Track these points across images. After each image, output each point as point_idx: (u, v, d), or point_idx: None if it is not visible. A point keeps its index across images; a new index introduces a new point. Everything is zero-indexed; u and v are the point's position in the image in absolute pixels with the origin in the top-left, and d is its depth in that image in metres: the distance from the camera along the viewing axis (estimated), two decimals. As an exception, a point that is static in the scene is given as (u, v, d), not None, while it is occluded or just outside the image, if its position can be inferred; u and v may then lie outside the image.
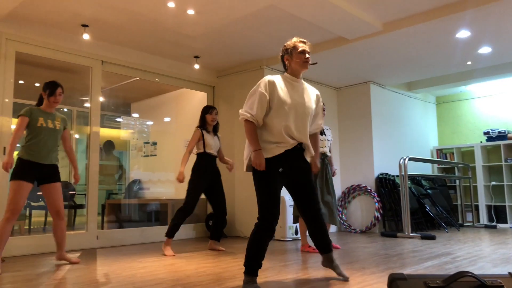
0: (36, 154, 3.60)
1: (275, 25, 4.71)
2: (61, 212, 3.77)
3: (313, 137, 3.00)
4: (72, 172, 3.97)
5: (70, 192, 6.87)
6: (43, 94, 3.76)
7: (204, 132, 4.55)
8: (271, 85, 2.72)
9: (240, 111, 2.76)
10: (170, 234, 4.36)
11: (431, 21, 4.46)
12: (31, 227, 6.46)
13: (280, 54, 2.88)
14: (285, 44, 2.85)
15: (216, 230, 4.61)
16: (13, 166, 3.53)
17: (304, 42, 2.83)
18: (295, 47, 2.80)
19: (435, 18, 4.42)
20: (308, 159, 2.88)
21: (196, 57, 5.77)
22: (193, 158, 4.57)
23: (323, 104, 3.32)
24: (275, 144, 2.71)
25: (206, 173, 4.48)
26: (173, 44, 5.27)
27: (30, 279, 3.10)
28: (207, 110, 4.63)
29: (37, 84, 6.04)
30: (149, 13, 4.32)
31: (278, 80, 2.77)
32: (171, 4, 4.10)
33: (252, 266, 2.65)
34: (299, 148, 2.80)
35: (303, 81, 2.90)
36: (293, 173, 2.79)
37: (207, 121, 4.59)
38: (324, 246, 2.94)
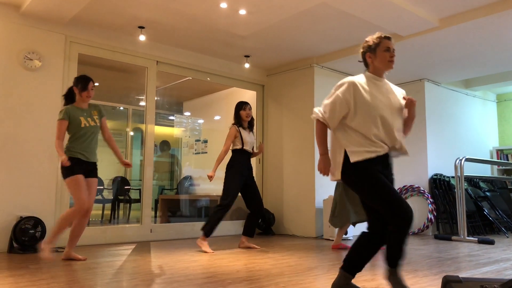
0: (83, 152, 3.64)
1: (326, 23, 4.68)
2: (90, 209, 3.69)
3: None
4: (119, 161, 3.88)
5: (126, 187, 7.18)
6: (75, 89, 3.71)
7: (240, 129, 4.55)
8: (353, 87, 2.46)
9: (314, 109, 2.54)
10: (208, 232, 4.26)
11: (492, 15, 4.25)
12: (90, 219, 6.82)
13: (361, 50, 2.61)
14: (367, 39, 2.59)
15: (251, 227, 4.54)
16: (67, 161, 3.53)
17: (389, 38, 2.55)
18: (379, 44, 2.53)
19: (496, 12, 4.20)
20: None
21: (247, 56, 5.84)
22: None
23: None
24: (366, 148, 2.40)
25: (243, 170, 4.46)
26: (224, 44, 5.37)
27: (90, 268, 3.30)
28: (241, 106, 4.59)
29: (96, 84, 6.36)
30: (202, 14, 4.44)
31: (361, 80, 2.52)
32: (223, 5, 4.18)
33: (353, 268, 2.42)
34: (388, 156, 2.50)
35: (386, 80, 2.62)
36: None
37: (242, 117, 4.57)
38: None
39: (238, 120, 4.59)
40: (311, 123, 5.86)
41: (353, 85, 2.47)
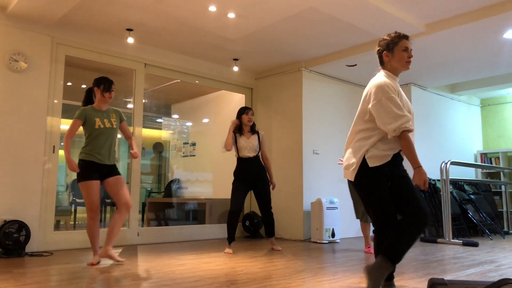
0: (96, 155, 3.64)
1: (314, 27, 4.72)
2: (129, 203, 3.71)
3: None
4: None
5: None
6: (96, 90, 3.75)
7: (237, 135, 4.62)
8: (393, 88, 2.43)
9: (397, 123, 2.32)
10: (228, 239, 4.50)
11: (477, 21, 4.33)
12: (76, 222, 6.74)
13: (378, 49, 2.56)
14: (385, 38, 2.53)
15: (266, 228, 4.71)
16: (76, 167, 3.61)
17: (407, 37, 2.50)
18: (398, 43, 2.47)
19: (481, 18, 4.28)
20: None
21: (235, 59, 5.85)
22: (226, 155, 4.69)
23: None
24: (388, 151, 2.43)
25: (243, 176, 4.58)
26: (213, 47, 5.37)
27: (76, 272, 3.26)
28: (243, 110, 4.70)
29: (83, 86, 6.31)
30: (191, 17, 4.43)
31: (388, 81, 2.46)
32: (212, 8, 4.19)
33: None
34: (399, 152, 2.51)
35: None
36: (394, 178, 2.51)
37: (243, 122, 4.65)
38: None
39: (240, 125, 4.68)
40: (300, 126, 5.89)
41: (392, 87, 2.42)
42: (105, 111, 3.78)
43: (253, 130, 4.72)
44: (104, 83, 3.74)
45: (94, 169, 3.65)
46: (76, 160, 3.68)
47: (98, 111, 3.74)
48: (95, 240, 3.68)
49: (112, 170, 3.76)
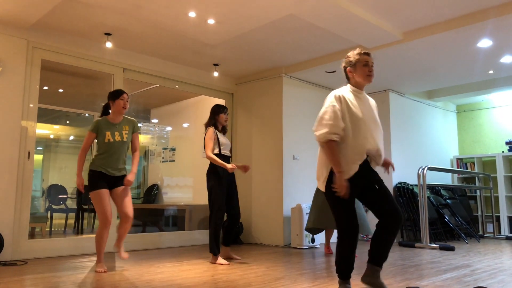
0: (106, 167, 3.64)
1: (294, 34, 4.75)
2: (129, 215, 3.68)
3: None
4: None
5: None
6: (111, 103, 3.75)
7: (217, 131, 4.36)
8: (343, 99, 2.63)
9: (316, 132, 2.60)
10: (214, 250, 4.16)
11: (452, 30, 4.43)
12: (52, 229, 6.60)
13: (343, 65, 2.80)
14: (348, 55, 2.77)
15: (229, 235, 4.43)
16: (82, 187, 3.64)
17: (368, 54, 2.75)
18: (359, 60, 2.72)
19: (456, 28, 4.39)
20: (375, 168, 2.77)
21: (216, 64, 5.84)
22: (206, 161, 4.32)
23: None
24: (352, 163, 2.60)
25: (224, 176, 4.25)
26: (193, 52, 5.35)
27: (51, 282, 3.18)
28: (222, 109, 4.43)
29: (60, 90, 6.19)
30: (170, 23, 4.41)
31: (346, 93, 2.69)
32: (192, 14, 4.17)
33: (343, 271, 2.69)
34: (367, 160, 2.71)
35: (364, 92, 2.82)
36: (366, 184, 2.71)
37: (220, 121, 4.41)
38: (377, 257, 2.72)
39: (214, 123, 4.41)
40: (280, 132, 5.91)
41: (341, 98, 2.65)
42: (118, 123, 3.75)
43: (224, 130, 4.50)
44: (112, 93, 3.76)
45: (103, 178, 3.64)
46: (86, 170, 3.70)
47: (110, 124, 3.72)
48: (103, 248, 3.65)
49: (119, 181, 3.73)
